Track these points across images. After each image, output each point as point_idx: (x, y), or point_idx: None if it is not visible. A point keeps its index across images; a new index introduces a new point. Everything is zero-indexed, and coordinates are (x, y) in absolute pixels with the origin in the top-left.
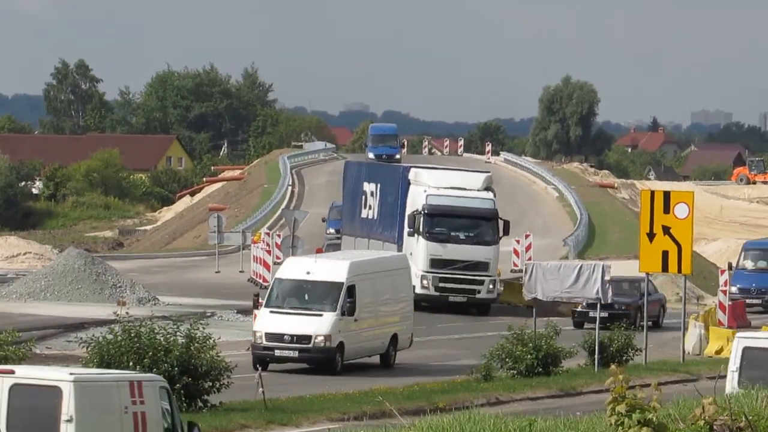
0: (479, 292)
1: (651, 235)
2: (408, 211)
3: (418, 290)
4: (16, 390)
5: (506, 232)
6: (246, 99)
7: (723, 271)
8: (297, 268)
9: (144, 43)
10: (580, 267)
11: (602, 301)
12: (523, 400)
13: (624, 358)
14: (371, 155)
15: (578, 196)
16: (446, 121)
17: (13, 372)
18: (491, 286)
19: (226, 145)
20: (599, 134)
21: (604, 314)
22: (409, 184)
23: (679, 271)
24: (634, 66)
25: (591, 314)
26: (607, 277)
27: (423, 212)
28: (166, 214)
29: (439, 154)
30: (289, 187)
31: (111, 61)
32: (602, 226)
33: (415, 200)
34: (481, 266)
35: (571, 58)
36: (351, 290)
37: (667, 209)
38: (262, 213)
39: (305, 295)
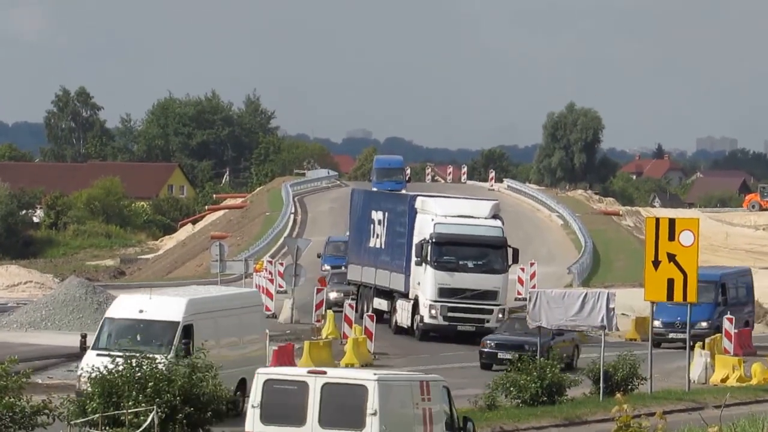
0: (488, 321)
1: (656, 263)
2: (415, 240)
3: (427, 320)
4: (327, 388)
5: (515, 260)
6: (248, 126)
7: None
8: (130, 306)
9: (145, 70)
10: (585, 295)
11: (607, 330)
12: (528, 429)
13: (629, 386)
14: (375, 189)
15: (583, 223)
16: (449, 148)
17: (325, 373)
18: (500, 315)
19: (228, 172)
20: (604, 161)
21: (510, 356)
22: (416, 212)
23: (685, 299)
24: (639, 92)
25: (500, 355)
26: (612, 305)
27: (431, 240)
28: (168, 242)
29: (443, 181)
30: (292, 215)
31: (112, 88)
32: (607, 253)
33: (423, 229)
34: (489, 295)
35: (575, 84)
36: (188, 330)
37: (672, 236)
38: (265, 241)
39: (137, 336)
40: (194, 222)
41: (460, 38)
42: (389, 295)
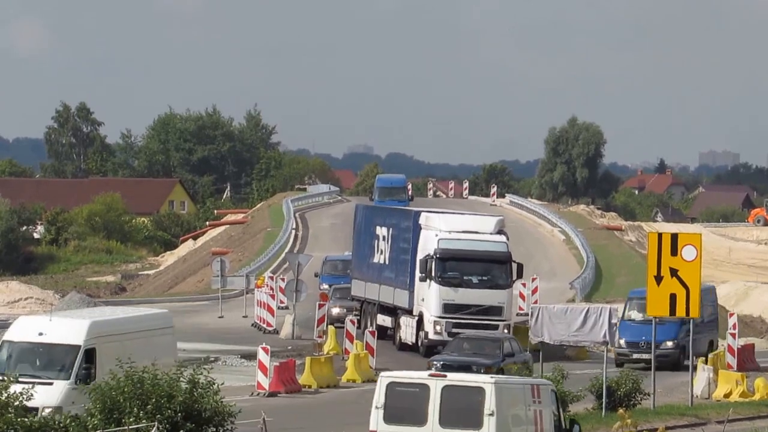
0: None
1: (659, 278)
2: (419, 256)
3: (432, 336)
4: (447, 390)
5: (520, 275)
6: (249, 141)
7: (731, 315)
8: (29, 327)
9: (145, 85)
10: (587, 310)
11: (609, 345)
12: None
13: (632, 402)
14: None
15: (585, 238)
16: (451, 163)
17: (445, 376)
18: (506, 331)
19: (229, 188)
20: (606, 176)
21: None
22: (421, 228)
23: (687, 314)
24: (641, 107)
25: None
26: (614, 321)
27: (435, 256)
28: (169, 258)
29: (444, 196)
30: (293, 231)
31: (112, 103)
32: (609, 268)
33: (427, 245)
34: (494, 310)
35: (576, 99)
36: (90, 354)
37: (674, 251)
38: (266, 257)
39: (36, 360)
40: (195, 238)
41: (461, 53)
42: (393, 311)
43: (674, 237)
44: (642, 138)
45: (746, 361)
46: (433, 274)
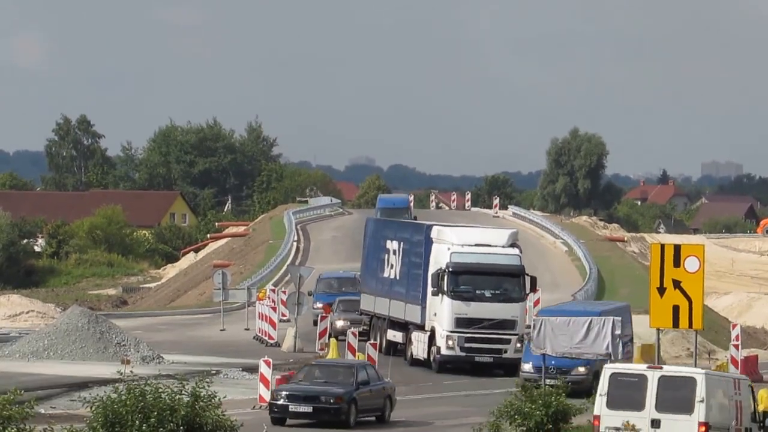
0: (506, 351)
1: (661, 290)
2: (431, 270)
3: (444, 351)
4: (663, 380)
5: (533, 288)
6: (250, 154)
7: (735, 326)
8: None
9: (146, 98)
10: (590, 322)
11: (612, 357)
12: None
13: None
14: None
15: (587, 250)
16: (453, 174)
17: (661, 368)
18: (518, 345)
19: (230, 200)
20: (608, 187)
21: (308, 408)
22: (432, 242)
23: (690, 326)
24: (643, 118)
25: (292, 408)
26: (617, 332)
27: (447, 270)
28: (170, 271)
29: (447, 208)
30: (295, 243)
31: (113, 116)
32: (612, 280)
33: (438, 258)
34: (507, 324)
35: (578, 110)
36: None
37: (677, 263)
38: (268, 269)
39: None
40: (197, 250)
41: (463, 65)
42: (404, 326)
43: (677, 248)
44: (644, 149)
45: (750, 373)
46: (445, 288)
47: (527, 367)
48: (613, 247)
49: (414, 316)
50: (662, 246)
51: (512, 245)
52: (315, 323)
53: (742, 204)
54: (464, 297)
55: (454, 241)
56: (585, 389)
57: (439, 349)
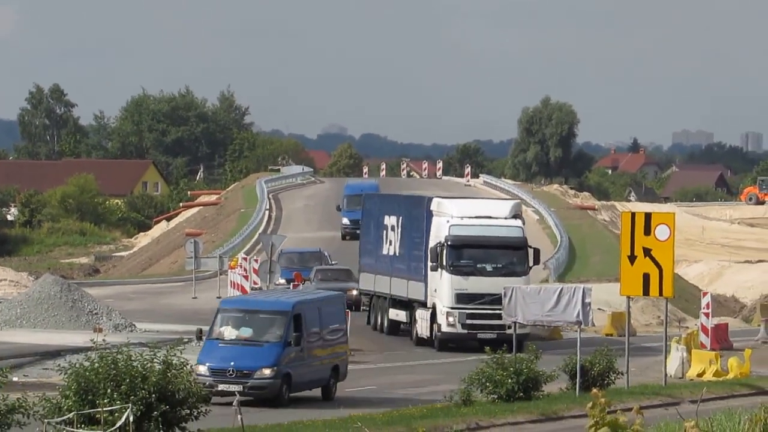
0: (510, 327)
1: (632, 258)
2: (431, 244)
3: (445, 328)
4: None
5: (536, 261)
6: (222, 122)
7: (705, 294)
8: None
9: (118, 67)
10: (561, 290)
11: (583, 325)
12: (504, 425)
13: (605, 381)
14: (346, 220)
15: (558, 218)
16: (424, 143)
17: None
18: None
19: (202, 169)
20: (579, 156)
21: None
22: (432, 215)
23: (661, 294)
24: (614, 86)
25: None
26: (588, 300)
27: (446, 244)
28: (143, 239)
29: (418, 177)
30: (267, 212)
31: (86, 85)
32: (583, 248)
33: (439, 232)
34: None
35: (550, 79)
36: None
37: (648, 231)
38: (240, 238)
39: None
40: (169, 219)
41: (435, 34)
42: (407, 305)
43: (647, 216)
44: (615, 117)
45: (720, 341)
46: (444, 263)
47: (202, 369)
48: (583, 216)
49: (417, 294)
50: (633, 214)
51: (515, 217)
52: None
53: (713, 172)
54: (464, 272)
55: (453, 214)
56: (269, 396)
57: (440, 326)
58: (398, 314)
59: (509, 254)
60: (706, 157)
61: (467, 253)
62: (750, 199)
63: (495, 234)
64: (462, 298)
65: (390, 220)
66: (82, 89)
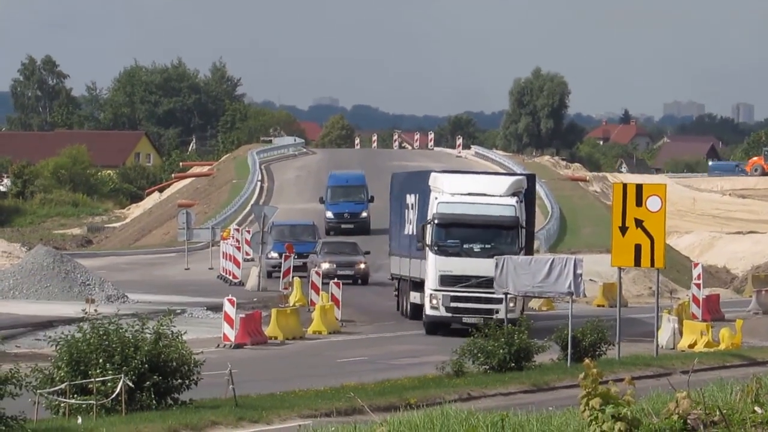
0: (497, 311)
1: (623, 229)
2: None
3: (428, 311)
4: None
5: (528, 242)
6: (214, 94)
7: (696, 265)
8: None
9: (111, 38)
10: (552, 261)
11: (575, 296)
12: (496, 395)
13: (597, 352)
14: (330, 214)
15: (549, 189)
16: (416, 114)
17: None
18: (512, 305)
19: (194, 140)
20: (570, 127)
21: None
22: (430, 191)
23: (652, 264)
24: (605, 57)
25: None
26: (579, 271)
27: (433, 222)
28: (135, 210)
29: (410, 148)
30: (259, 183)
31: (78, 56)
32: (574, 219)
33: (431, 209)
34: None
35: (541, 50)
36: None
37: (639, 202)
38: (232, 209)
39: None
40: (161, 190)
41: (427, 5)
42: (422, 286)
43: (639, 188)
44: (606, 89)
45: (711, 312)
46: (430, 243)
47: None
48: (575, 187)
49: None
50: (624, 185)
51: (514, 194)
52: (269, 274)
53: (704, 144)
54: (449, 252)
55: (445, 190)
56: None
57: (424, 309)
58: (416, 297)
59: (499, 234)
60: (697, 129)
61: (454, 233)
62: (755, 170)
63: (484, 213)
64: (446, 280)
65: (410, 199)
66: (74, 60)
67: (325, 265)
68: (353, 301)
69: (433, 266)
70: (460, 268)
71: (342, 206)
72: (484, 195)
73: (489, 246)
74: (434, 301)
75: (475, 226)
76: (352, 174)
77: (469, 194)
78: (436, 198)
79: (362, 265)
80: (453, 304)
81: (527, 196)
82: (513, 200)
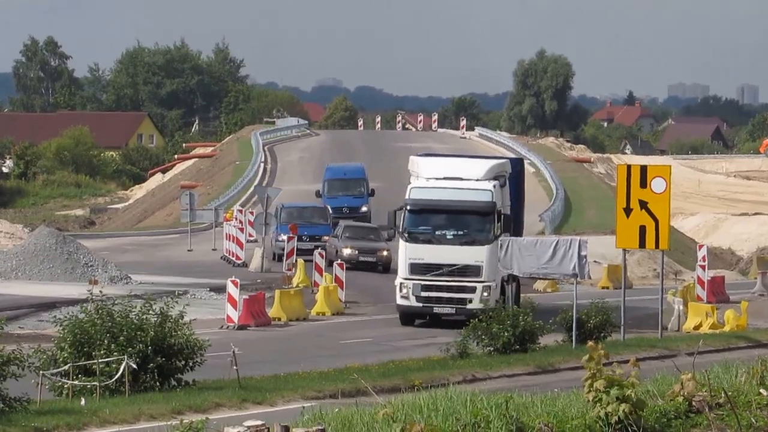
0: (470, 301)
1: (628, 210)
2: None
3: (398, 301)
4: None
5: (506, 228)
6: (217, 75)
7: (701, 246)
8: None
9: (113, 19)
10: (557, 242)
11: (579, 278)
12: (500, 377)
13: (602, 334)
14: (328, 208)
15: (554, 171)
16: (420, 95)
17: None
18: (485, 294)
19: (197, 121)
20: (575, 108)
21: None
22: (410, 175)
23: (657, 246)
24: (610, 39)
25: None
26: (584, 253)
27: (404, 208)
28: (138, 192)
29: (414, 129)
30: (262, 164)
31: (80, 37)
32: (578, 201)
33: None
34: (471, 270)
35: (545, 31)
36: None
37: (644, 184)
38: (235, 190)
39: None
40: (164, 171)
41: None
42: None
43: (643, 169)
44: (611, 70)
45: (716, 293)
46: (401, 229)
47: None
48: (579, 168)
49: None
50: (629, 167)
51: (495, 178)
52: (278, 257)
53: (709, 125)
54: (420, 239)
55: (421, 174)
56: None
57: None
58: None
59: (472, 220)
60: (702, 110)
61: (425, 219)
62: None
63: (457, 198)
64: (417, 269)
65: None
66: (76, 42)
67: (347, 251)
68: (357, 282)
69: (404, 254)
70: (432, 256)
71: (340, 200)
72: (460, 179)
73: (462, 233)
74: (404, 290)
75: (448, 212)
76: (351, 166)
77: (445, 178)
78: (410, 183)
79: (385, 252)
80: (424, 294)
81: (515, 180)
82: (490, 185)
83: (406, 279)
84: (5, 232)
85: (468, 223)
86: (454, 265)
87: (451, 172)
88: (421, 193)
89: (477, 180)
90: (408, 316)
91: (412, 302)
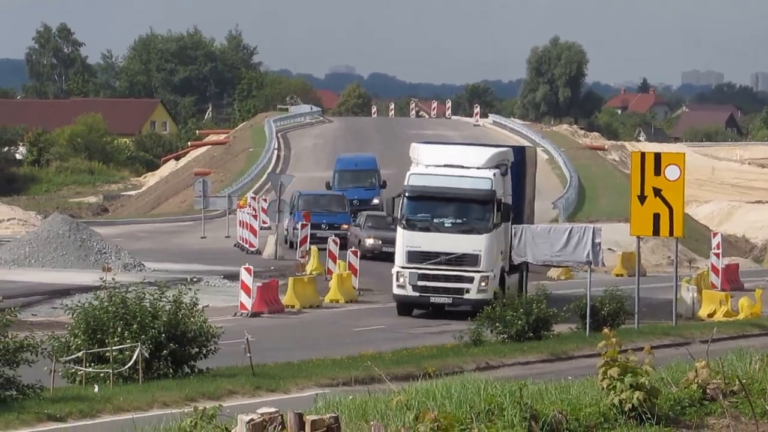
0: (468, 291)
1: (642, 198)
2: None
3: (395, 290)
4: None
5: (506, 218)
6: (230, 62)
7: (715, 234)
8: None
9: (126, 6)
10: (571, 230)
11: (593, 265)
12: (514, 365)
13: (616, 321)
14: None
15: (568, 158)
16: (434, 83)
17: None
18: (483, 284)
19: (210, 108)
20: (588, 96)
21: None
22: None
23: (671, 234)
24: (624, 26)
25: None
26: (598, 240)
27: (403, 195)
28: (151, 179)
29: (427, 116)
30: (275, 151)
31: (93, 24)
32: (592, 188)
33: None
34: (468, 259)
35: (559, 18)
36: None
37: (658, 171)
38: (248, 177)
39: None
40: (177, 158)
41: None
42: None
43: (657, 156)
44: (625, 57)
45: (730, 281)
46: (399, 217)
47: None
48: (593, 156)
49: None
50: (643, 154)
51: (496, 166)
52: (294, 245)
53: (723, 113)
54: (418, 227)
55: (421, 161)
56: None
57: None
58: None
59: (472, 209)
60: (716, 97)
61: (423, 207)
62: None
63: (457, 186)
64: (413, 257)
65: None
66: (89, 28)
67: (370, 241)
68: (370, 269)
69: (401, 242)
70: (429, 244)
71: (351, 192)
72: (460, 167)
73: (460, 221)
74: (401, 279)
75: (446, 200)
76: (362, 157)
77: (445, 166)
78: (409, 170)
79: None
80: (420, 283)
81: (517, 169)
82: (490, 173)
83: (403, 267)
84: (18, 218)
85: (467, 211)
86: (452, 253)
87: (451, 159)
88: (420, 179)
89: (477, 168)
90: (405, 306)
91: (409, 291)
